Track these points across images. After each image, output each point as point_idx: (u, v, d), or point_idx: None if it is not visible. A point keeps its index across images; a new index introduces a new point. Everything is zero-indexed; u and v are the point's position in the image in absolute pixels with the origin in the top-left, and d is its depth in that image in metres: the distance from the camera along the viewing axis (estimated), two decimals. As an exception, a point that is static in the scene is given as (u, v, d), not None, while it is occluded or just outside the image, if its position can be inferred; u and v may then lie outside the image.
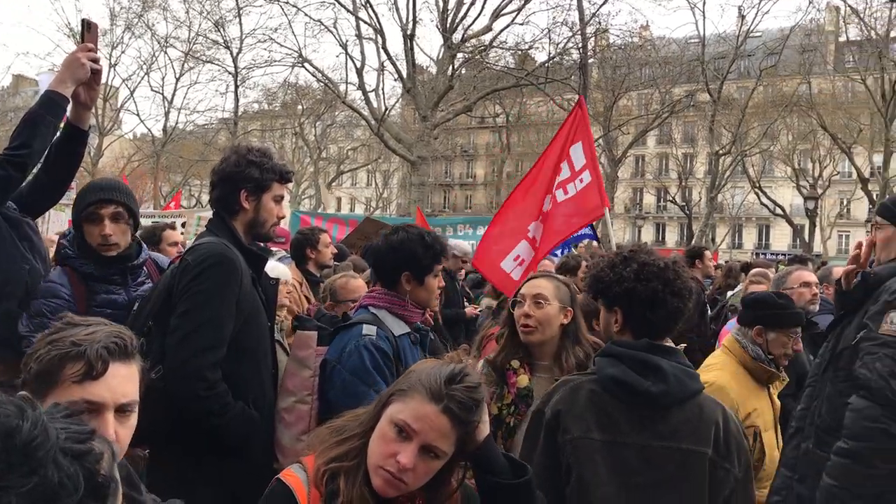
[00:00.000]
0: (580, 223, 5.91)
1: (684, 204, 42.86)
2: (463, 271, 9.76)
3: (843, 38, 40.35)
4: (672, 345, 2.44)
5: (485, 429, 1.93)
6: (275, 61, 45.08)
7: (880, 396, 2.77)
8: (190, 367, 2.80)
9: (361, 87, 26.90)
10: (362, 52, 27.41)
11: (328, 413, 2.98)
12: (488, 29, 26.15)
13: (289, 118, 46.61)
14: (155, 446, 2.94)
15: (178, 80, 39.91)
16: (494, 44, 26.81)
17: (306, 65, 28.65)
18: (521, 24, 45.61)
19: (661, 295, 2.35)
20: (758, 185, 40.56)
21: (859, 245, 3.31)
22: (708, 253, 7.96)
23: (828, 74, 38.89)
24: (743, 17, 33.36)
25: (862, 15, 31.95)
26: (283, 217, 3.27)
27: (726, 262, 11.88)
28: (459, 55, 26.23)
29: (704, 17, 61.88)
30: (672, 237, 55.00)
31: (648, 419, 2.27)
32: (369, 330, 3.04)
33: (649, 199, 57.67)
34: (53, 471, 0.98)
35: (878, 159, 34.78)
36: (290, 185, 3.34)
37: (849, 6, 32.94)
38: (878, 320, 2.91)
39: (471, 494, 2.02)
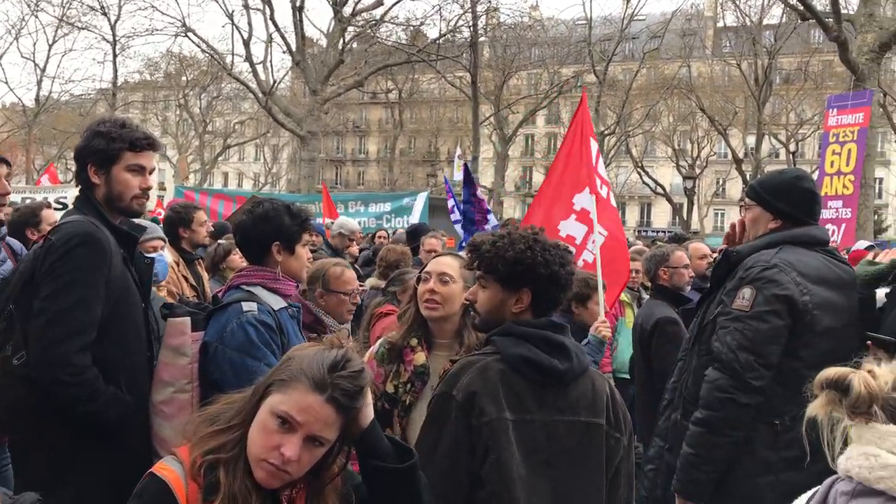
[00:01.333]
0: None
1: (572, 183, 43.91)
2: (356, 249, 9.68)
3: (720, 24, 42.19)
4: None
5: (368, 412, 1.90)
6: (156, 30, 43.32)
7: (729, 368, 2.93)
8: (54, 352, 2.66)
9: (248, 58, 26.19)
10: (249, 23, 26.81)
11: (214, 395, 2.96)
12: (379, 3, 25.91)
13: (172, 89, 44.90)
14: (27, 433, 2.80)
15: (51, 46, 37.84)
16: (386, 19, 26.62)
17: (190, 34, 27.66)
18: (413, 0, 45.55)
19: (570, 278, 2.44)
20: (640, 164, 42.03)
21: (733, 225, 3.48)
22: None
23: (706, 59, 40.60)
24: (628, 0, 34.34)
25: (738, 2, 33.45)
26: (147, 188, 3.07)
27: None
28: (350, 29, 25.89)
29: (592, -1, 63.30)
30: (560, 214, 56.41)
31: (550, 395, 2.32)
32: (249, 306, 2.98)
33: (539, 177, 58.80)
34: None
35: (751, 141, 36.67)
36: (155, 154, 3.12)
37: (726, -7, 34.42)
38: (733, 296, 3.08)
39: (351, 476, 1.99)
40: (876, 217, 36.18)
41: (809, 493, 1.93)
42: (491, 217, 10.87)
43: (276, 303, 3.11)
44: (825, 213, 10.70)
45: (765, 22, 34.50)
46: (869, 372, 1.80)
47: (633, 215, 56.45)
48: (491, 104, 34.51)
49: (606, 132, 35.96)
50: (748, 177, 34.57)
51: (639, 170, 41.79)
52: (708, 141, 43.08)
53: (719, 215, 52.67)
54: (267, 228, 3.14)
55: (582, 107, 5.62)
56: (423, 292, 3.05)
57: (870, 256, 3.43)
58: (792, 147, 38.41)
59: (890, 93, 29.37)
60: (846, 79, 17.13)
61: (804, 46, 36.12)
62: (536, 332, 2.35)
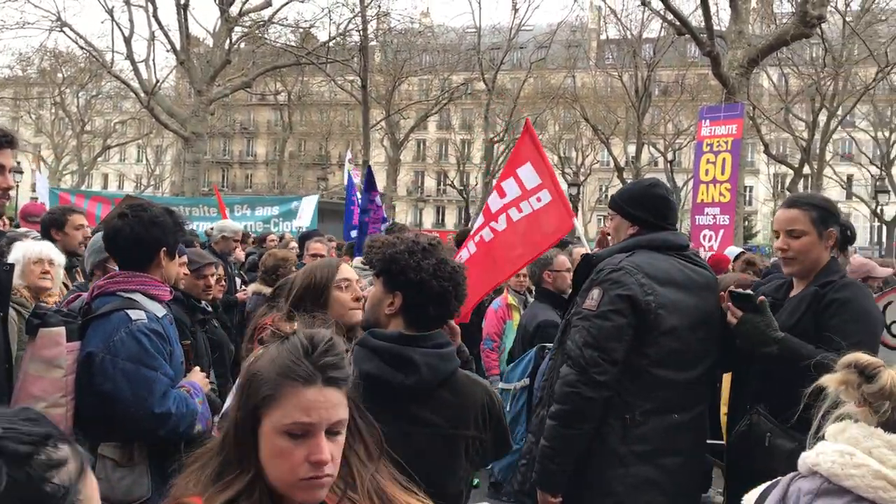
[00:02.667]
0: (545, 242, 5.52)
1: (462, 188, 44.48)
2: (241, 252, 9.44)
3: (603, 37, 43.66)
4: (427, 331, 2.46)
5: None
6: (28, 23, 40.96)
7: (577, 364, 3.08)
8: None
9: (130, 56, 25.16)
10: (131, 20, 25.62)
11: (104, 406, 2.83)
12: (268, 4, 25.45)
13: (47, 86, 42.64)
14: None
15: None
16: (274, 20, 26.19)
17: (66, 29, 26.34)
18: (302, 2, 44.89)
19: (449, 296, 2.41)
20: (528, 171, 42.88)
21: (603, 233, 3.63)
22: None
23: (590, 69, 41.93)
24: (516, 10, 35.10)
25: (619, 15, 34.71)
26: (7, 187, 2.91)
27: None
28: (238, 29, 25.31)
29: (480, 8, 64.30)
30: (451, 219, 56.93)
31: (410, 407, 2.33)
32: (138, 315, 2.92)
33: (430, 182, 59.20)
34: None
35: (632, 150, 38.08)
36: (13, 151, 2.93)
37: (608, 6, 35.66)
38: (584, 297, 3.23)
39: None
40: (746, 223, 38.32)
41: (758, 490, 1.92)
42: (385, 224, 10.86)
43: (158, 310, 3.04)
44: (702, 220, 11.08)
45: (644, 35, 35.96)
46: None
47: (521, 220, 57.49)
48: (382, 108, 34.47)
49: (496, 139, 36.58)
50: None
51: (527, 176, 42.61)
52: (592, 149, 44.49)
53: (602, 220, 54.43)
54: (157, 233, 3.08)
55: (521, 138, 5.53)
56: (351, 299, 2.97)
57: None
58: (670, 156, 40.14)
59: (758, 106, 31.21)
60: (719, 91, 18.04)
61: (681, 60, 37.88)
62: (385, 345, 2.33)
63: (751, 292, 3.23)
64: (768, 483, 1.90)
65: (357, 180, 14.59)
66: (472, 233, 5.34)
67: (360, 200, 10.89)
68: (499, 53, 36.09)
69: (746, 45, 15.60)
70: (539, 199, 5.23)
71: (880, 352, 4.89)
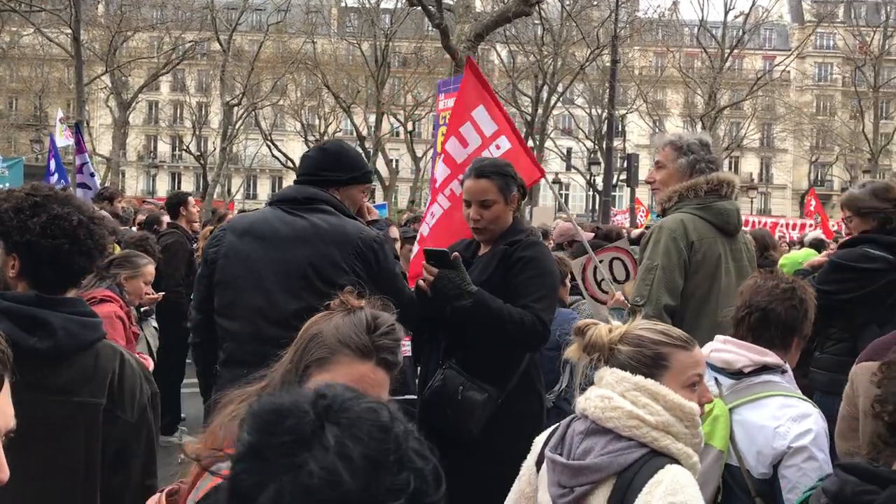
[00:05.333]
0: None
1: (199, 154, 42.48)
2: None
3: (343, 4, 43.55)
4: (70, 295, 2.25)
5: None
6: None
7: None
8: None
9: None
10: None
11: None
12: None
13: None
14: None
15: None
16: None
17: None
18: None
19: (67, 254, 2.18)
20: (269, 137, 41.97)
21: None
22: (192, 199, 7.86)
23: (331, 37, 41.68)
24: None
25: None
26: None
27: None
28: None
29: (219, -35, 61.33)
30: (188, 186, 54.10)
31: (40, 375, 2.10)
32: None
33: (164, 147, 55.87)
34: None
35: (373, 119, 38.59)
36: None
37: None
38: None
39: None
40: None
41: (548, 431, 2.18)
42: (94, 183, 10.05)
43: None
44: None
45: (382, 6, 36.38)
46: (610, 326, 2.13)
47: (264, 188, 56.21)
48: (103, 63, 31.77)
49: (233, 102, 35.25)
50: (371, 153, 36.38)
51: (268, 143, 41.70)
52: (334, 117, 44.44)
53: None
54: None
55: (467, 77, 4.88)
56: None
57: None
58: (410, 127, 41.20)
59: (488, 81, 32.86)
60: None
61: (418, 32, 38.82)
62: (18, 307, 2.11)
63: (445, 249, 3.31)
64: (554, 426, 2.16)
65: (69, 142, 13.40)
66: (438, 186, 4.83)
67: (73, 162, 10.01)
68: (235, 14, 34.67)
69: (473, 20, 16.26)
70: (498, 147, 4.75)
71: (594, 306, 5.31)
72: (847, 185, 46.05)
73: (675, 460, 1.92)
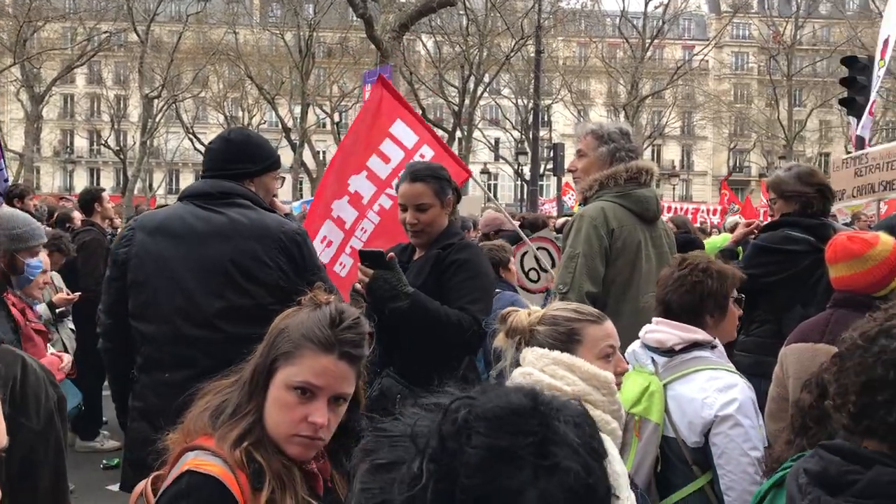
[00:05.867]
0: None
1: (119, 148, 41.26)
2: None
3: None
4: None
5: None
6: None
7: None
8: None
9: None
10: None
11: None
12: None
13: None
14: None
15: None
16: None
17: None
18: None
19: None
20: (191, 130, 41.02)
21: None
22: (106, 195, 7.60)
23: (253, 26, 40.91)
24: (170, -42, 32.95)
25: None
26: None
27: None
28: None
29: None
30: (107, 182, 52.46)
31: None
32: None
33: (81, 142, 54.00)
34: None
35: (298, 111, 38.05)
36: None
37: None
38: None
39: None
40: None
41: None
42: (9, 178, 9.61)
43: None
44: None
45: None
46: (529, 311, 2.28)
47: (186, 183, 54.45)
48: (11, 54, 30.47)
49: (152, 94, 34.27)
50: (296, 145, 35.94)
51: (190, 136, 40.74)
52: (258, 109, 43.68)
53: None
54: None
55: (375, 94, 5.17)
56: None
57: None
58: (336, 118, 40.82)
59: (415, 72, 32.84)
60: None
61: (343, 22, 38.43)
62: None
63: (381, 250, 3.25)
64: None
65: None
66: (365, 203, 4.95)
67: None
68: (153, 3, 33.68)
69: (398, 10, 16.16)
70: (422, 156, 4.93)
71: (524, 295, 5.37)
72: (764, 171, 47.73)
73: None
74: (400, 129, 5.07)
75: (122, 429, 3.22)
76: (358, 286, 3.19)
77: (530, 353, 2.16)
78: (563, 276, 3.67)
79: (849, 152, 10.59)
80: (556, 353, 2.11)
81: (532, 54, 28.07)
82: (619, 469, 1.78)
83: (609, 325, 2.25)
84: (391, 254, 3.18)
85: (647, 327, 2.86)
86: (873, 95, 10.61)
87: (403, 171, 3.62)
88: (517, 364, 2.21)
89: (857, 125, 10.64)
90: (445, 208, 3.38)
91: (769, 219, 4.91)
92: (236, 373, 1.88)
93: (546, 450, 0.90)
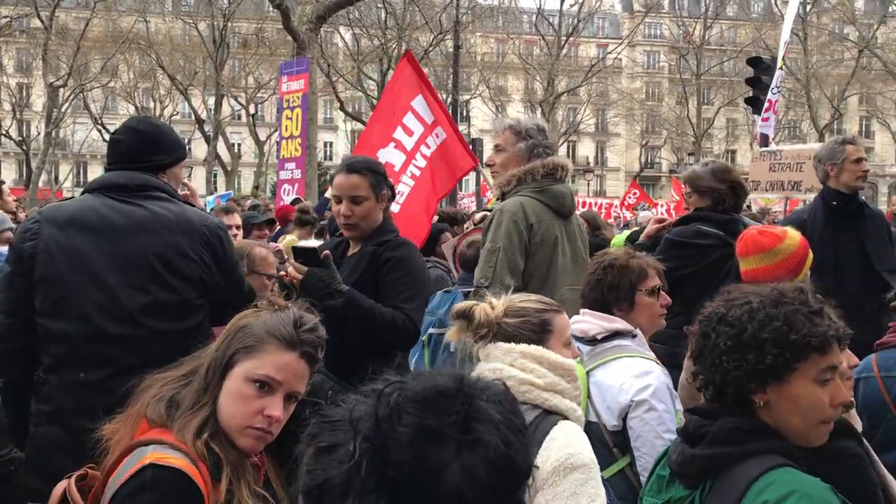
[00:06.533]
0: (451, 181, 5.45)
1: (22, 139, 39.46)
2: None
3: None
4: None
5: None
6: None
7: None
8: None
9: None
10: None
11: None
12: None
13: None
14: None
15: None
16: None
17: None
18: None
19: None
20: (100, 121, 39.60)
21: None
22: (6, 188, 7.31)
23: (165, 15, 39.72)
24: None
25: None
26: None
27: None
28: None
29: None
30: (10, 175, 50.08)
31: None
32: None
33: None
34: None
35: (212, 102, 37.18)
36: None
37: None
38: None
39: None
40: (325, 178, 39.90)
41: None
42: None
43: None
44: (284, 174, 11.40)
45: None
46: (490, 304, 2.29)
47: (95, 175, 52.67)
48: None
49: (57, 83, 32.88)
50: (210, 137, 35.13)
51: (98, 127, 39.31)
52: (170, 99, 42.47)
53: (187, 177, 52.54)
54: None
55: (400, 70, 5.52)
56: None
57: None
58: (252, 110, 40.04)
59: (333, 64, 32.52)
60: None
61: (258, 12, 37.71)
62: None
63: (315, 247, 3.24)
64: None
65: None
66: (397, 171, 5.35)
67: None
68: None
69: (315, 2, 16.00)
70: (437, 136, 5.28)
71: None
72: (674, 167, 49.23)
73: (564, 417, 2.15)
74: (420, 104, 5.47)
75: (13, 437, 3.01)
76: (292, 282, 3.16)
77: (495, 350, 2.21)
78: (483, 270, 3.73)
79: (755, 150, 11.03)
80: (523, 347, 2.18)
81: (451, 49, 28.15)
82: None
83: (565, 313, 2.39)
84: (326, 251, 3.17)
85: (574, 318, 2.94)
86: (773, 94, 11.08)
87: (340, 162, 3.65)
88: (472, 358, 2.25)
89: (760, 123, 11.10)
90: (380, 203, 3.36)
91: (675, 215, 5.10)
92: (180, 366, 1.93)
93: (469, 426, 0.98)
